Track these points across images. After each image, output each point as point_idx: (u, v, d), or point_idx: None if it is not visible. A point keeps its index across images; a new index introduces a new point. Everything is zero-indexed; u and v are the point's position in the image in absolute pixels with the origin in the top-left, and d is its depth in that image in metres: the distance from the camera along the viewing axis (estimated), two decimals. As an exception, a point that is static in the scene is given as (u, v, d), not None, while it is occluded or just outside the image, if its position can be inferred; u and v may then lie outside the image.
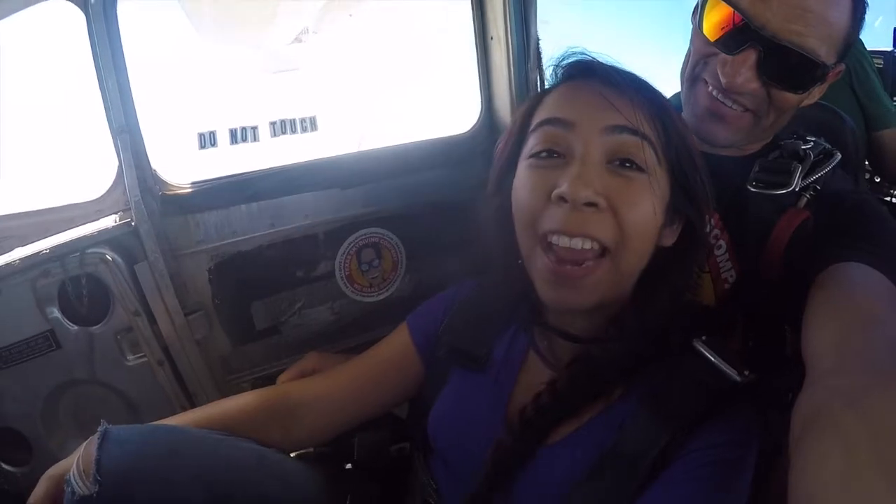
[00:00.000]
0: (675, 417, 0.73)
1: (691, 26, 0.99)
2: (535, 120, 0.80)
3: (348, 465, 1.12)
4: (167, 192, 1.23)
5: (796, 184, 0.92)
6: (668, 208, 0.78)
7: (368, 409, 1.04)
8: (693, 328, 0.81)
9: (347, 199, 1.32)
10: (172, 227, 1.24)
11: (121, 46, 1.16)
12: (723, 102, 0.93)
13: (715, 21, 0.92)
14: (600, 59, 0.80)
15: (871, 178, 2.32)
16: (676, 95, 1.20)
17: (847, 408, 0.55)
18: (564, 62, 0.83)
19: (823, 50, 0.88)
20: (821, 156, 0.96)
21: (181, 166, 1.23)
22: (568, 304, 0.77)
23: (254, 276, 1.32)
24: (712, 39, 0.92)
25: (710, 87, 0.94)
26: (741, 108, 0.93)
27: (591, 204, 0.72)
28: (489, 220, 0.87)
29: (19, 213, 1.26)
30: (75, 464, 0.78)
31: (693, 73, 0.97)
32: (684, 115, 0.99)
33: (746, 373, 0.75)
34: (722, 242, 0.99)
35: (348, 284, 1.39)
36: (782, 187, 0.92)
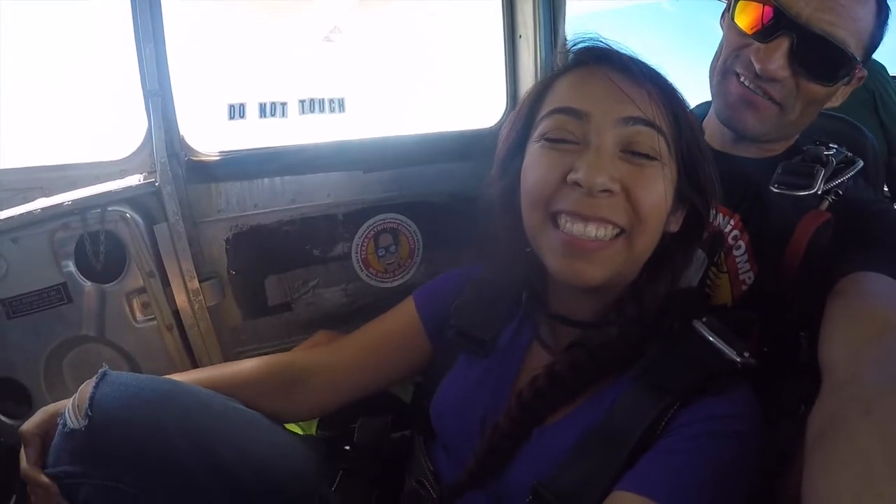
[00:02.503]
0: (668, 391, 0.73)
1: (723, 25, 1.01)
2: (547, 106, 0.80)
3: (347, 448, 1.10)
4: (193, 159, 1.24)
5: (819, 187, 0.93)
6: (675, 195, 0.79)
7: (372, 382, 1.03)
8: (694, 310, 0.81)
9: (369, 183, 1.33)
10: (195, 194, 1.25)
11: (160, 10, 1.17)
12: (753, 91, 0.95)
13: (749, 14, 0.94)
14: (614, 46, 0.80)
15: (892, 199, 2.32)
16: (700, 106, 1.22)
17: (862, 416, 0.55)
18: (577, 46, 0.82)
19: (852, 43, 0.90)
20: (842, 163, 0.96)
21: (209, 135, 1.24)
22: (580, 276, 0.76)
23: (271, 251, 1.32)
24: (749, 32, 0.93)
25: (742, 78, 0.95)
26: (771, 100, 0.94)
27: (605, 190, 0.73)
28: (494, 203, 0.87)
29: (46, 167, 1.27)
30: (72, 400, 0.81)
31: (725, 67, 0.98)
32: (715, 107, 1.02)
33: (746, 354, 0.75)
34: (741, 243, 1.00)
35: (364, 268, 1.39)
36: (805, 189, 0.93)
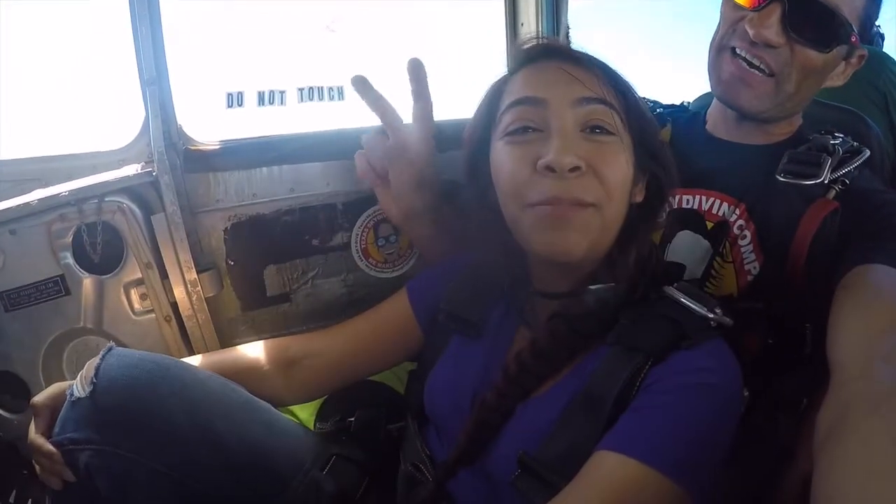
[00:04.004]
0: (640, 350, 0.76)
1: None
2: (505, 102, 0.86)
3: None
4: (191, 148, 1.23)
5: (825, 176, 0.93)
6: (635, 167, 0.84)
7: (365, 366, 1.09)
8: (666, 277, 0.86)
9: None
10: (192, 183, 1.23)
11: None
12: (748, 67, 0.96)
13: None
14: (560, 42, 0.90)
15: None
16: (701, 97, 1.23)
17: (870, 412, 0.57)
18: (524, 46, 0.90)
19: (846, 9, 0.91)
20: (848, 153, 0.97)
21: (207, 123, 1.23)
22: (562, 245, 0.79)
23: (269, 241, 1.30)
24: (744, 4, 0.95)
25: (739, 50, 0.96)
26: (766, 71, 0.95)
27: (575, 169, 0.77)
28: (471, 205, 0.93)
29: (42, 157, 1.26)
30: (80, 373, 0.86)
31: (721, 43, 1.00)
32: (711, 84, 1.03)
33: (718, 311, 0.79)
34: (747, 233, 1.00)
35: (363, 258, 1.38)
36: (811, 178, 0.94)
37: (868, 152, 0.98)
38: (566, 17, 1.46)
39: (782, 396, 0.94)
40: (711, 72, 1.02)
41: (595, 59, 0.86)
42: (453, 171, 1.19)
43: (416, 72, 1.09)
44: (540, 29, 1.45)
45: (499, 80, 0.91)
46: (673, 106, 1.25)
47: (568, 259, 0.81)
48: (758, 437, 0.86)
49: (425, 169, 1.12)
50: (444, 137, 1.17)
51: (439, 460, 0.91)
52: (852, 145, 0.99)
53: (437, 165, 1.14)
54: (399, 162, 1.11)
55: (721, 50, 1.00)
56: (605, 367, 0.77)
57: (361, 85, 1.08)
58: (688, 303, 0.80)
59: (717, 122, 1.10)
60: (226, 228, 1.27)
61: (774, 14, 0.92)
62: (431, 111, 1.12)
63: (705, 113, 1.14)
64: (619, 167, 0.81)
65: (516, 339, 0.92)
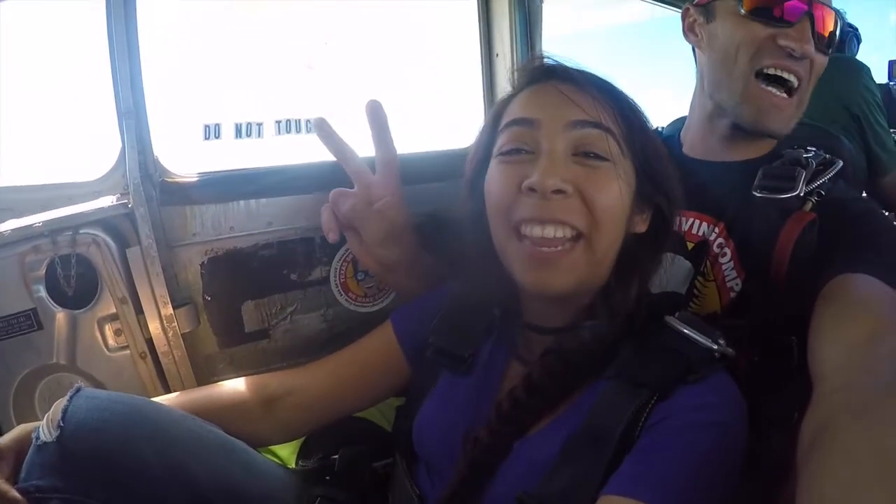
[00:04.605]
0: (644, 385, 0.74)
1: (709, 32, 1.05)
2: (503, 122, 0.85)
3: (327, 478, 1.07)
4: (167, 180, 1.21)
5: (801, 188, 0.94)
6: (636, 196, 0.82)
7: (349, 404, 1.06)
8: (665, 307, 0.84)
9: None
10: (169, 217, 1.21)
11: (136, 29, 1.15)
12: (776, 92, 0.98)
13: (764, 2, 0.97)
14: (563, 62, 0.86)
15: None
16: (672, 123, 1.24)
17: (853, 422, 0.57)
18: (530, 66, 0.89)
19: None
20: (822, 165, 0.98)
21: (184, 155, 1.21)
22: (547, 285, 0.79)
23: (247, 276, 1.28)
24: (777, 16, 0.96)
25: (768, 69, 0.97)
26: (793, 88, 0.99)
27: (559, 192, 0.76)
28: (465, 223, 0.91)
29: (17, 187, 1.24)
30: (47, 415, 0.82)
31: (751, 69, 0.99)
32: (737, 113, 1.02)
33: (722, 342, 0.77)
34: (727, 251, 1.01)
35: (343, 292, 1.34)
36: (787, 192, 0.95)
37: (841, 163, 0.99)
38: (540, 46, 1.47)
39: (773, 412, 0.92)
40: (744, 101, 1.01)
41: (598, 80, 0.84)
42: (432, 204, 1.17)
43: (375, 115, 1.07)
44: (515, 59, 1.45)
45: (502, 100, 0.90)
46: None
47: (556, 296, 0.80)
48: (752, 459, 0.83)
49: (396, 219, 1.09)
50: (420, 170, 1.14)
51: (430, 500, 0.89)
52: (825, 157, 1.00)
53: (415, 200, 1.11)
54: (366, 214, 1.08)
55: (755, 76, 0.99)
56: (607, 401, 0.75)
57: (322, 129, 1.06)
58: (691, 334, 0.78)
59: (695, 143, 1.12)
60: (202, 262, 1.24)
61: (808, 26, 0.95)
62: (395, 156, 1.10)
63: (679, 136, 1.16)
64: (609, 193, 0.78)
65: (508, 375, 0.89)
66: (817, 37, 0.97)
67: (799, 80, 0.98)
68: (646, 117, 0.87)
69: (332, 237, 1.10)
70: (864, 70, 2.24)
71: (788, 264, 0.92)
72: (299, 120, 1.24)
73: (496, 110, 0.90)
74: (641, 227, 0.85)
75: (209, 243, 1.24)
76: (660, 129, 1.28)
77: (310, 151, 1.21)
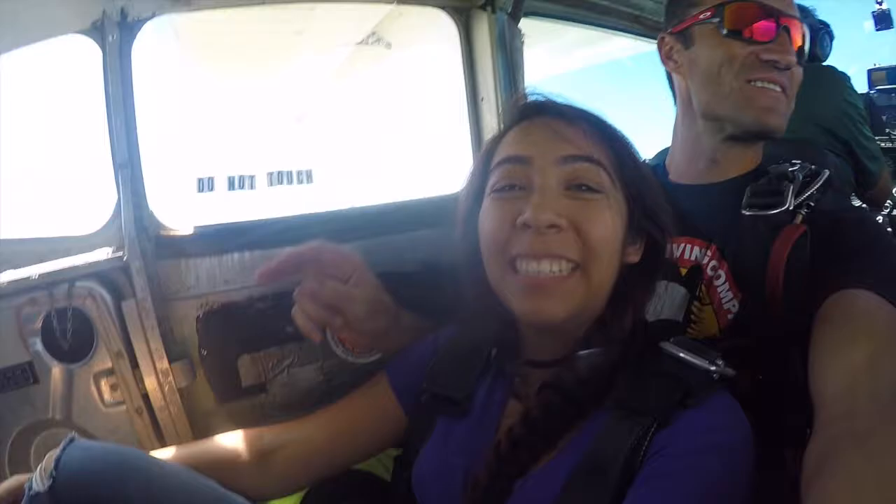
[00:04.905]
0: (643, 414, 0.72)
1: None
2: (495, 160, 0.85)
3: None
4: (162, 234, 1.20)
5: (790, 202, 0.94)
6: (628, 227, 0.82)
7: (347, 456, 1.03)
8: (661, 333, 0.82)
9: None
10: (164, 270, 1.20)
11: (132, 83, 1.17)
12: (772, 91, 0.99)
13: (747, 20, 0.99)
14: (552, 98, 0.87)
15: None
16: (657, 154, 1.25)
17: (855, 450, 0.58)
18: (518, 104, 0.89)
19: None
20: (808, 177, 0.98)
21: (178, 208, 1.20)
22: (543, 312, 0.77)
23: (243, 329, 1.26)
24: (756, 37, 0.98)
25: (757, 82, 0.98)
26: (784, 91, 1.00)
27: (553, 226, 0.76)
28: (461, 262, 0.90)
29: (13, 240, 1.24)
30: (39, 465, 0.81)
31: (741, 82, 0.99)
32: (737, 122, 1.02)
33: (720, 362, 0.76)
34: (721, 273, 1.00)
35: (339, 344, 1.31)
36: (776, 207, 0.94)
37: (827, 172, 0.99)
38: (523, 87, 1.47)
39: (785, 431, 0.90)
40: (742, 109, 1.01)
41: (588, 114, 0.85)
42: (424, 251, 1.15)
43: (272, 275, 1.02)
44: (500, 103, 1.46)
45: (492, 139, 0.90)
46: None
47: (552, 324, 0.79)
48: (768, 481, 0.80)
49: (372, 288, 1.05)
50: (411, 217, 1.10)
51: None
52: (811, 169, 0.99)
53: (406, 248, 1.07)
54: (347, 292, 1.03)
55: (749, 83, 1.00)
56: (607, 433, 0.73)
57: (268, 277, 1.02)
58: (687, 358, 0.76)
59: (681, 169, 1.12)
60: (198, 316, 1.23)
61: (787, 39, 0.98)
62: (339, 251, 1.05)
63: (664, 164, 1.16)
64: (603, 225, 0.78)
65: (506, 413, 0.87)
66: (796, 51, 0.99)
67: (784, 89, 0.99)
68: (635, 149, 0.87)
69: (315, 337, 1.03)
70: (844, 82, 2.16)
71: (783, 279, 0.90)
72: (290, 171, 1.23)
73: (487, 149, 0.89)
74: (634, 257, 0.84)
75: (204, 297, 1.23)
76: (646, 160, 1.25)
77: (302, 202, 1.19)
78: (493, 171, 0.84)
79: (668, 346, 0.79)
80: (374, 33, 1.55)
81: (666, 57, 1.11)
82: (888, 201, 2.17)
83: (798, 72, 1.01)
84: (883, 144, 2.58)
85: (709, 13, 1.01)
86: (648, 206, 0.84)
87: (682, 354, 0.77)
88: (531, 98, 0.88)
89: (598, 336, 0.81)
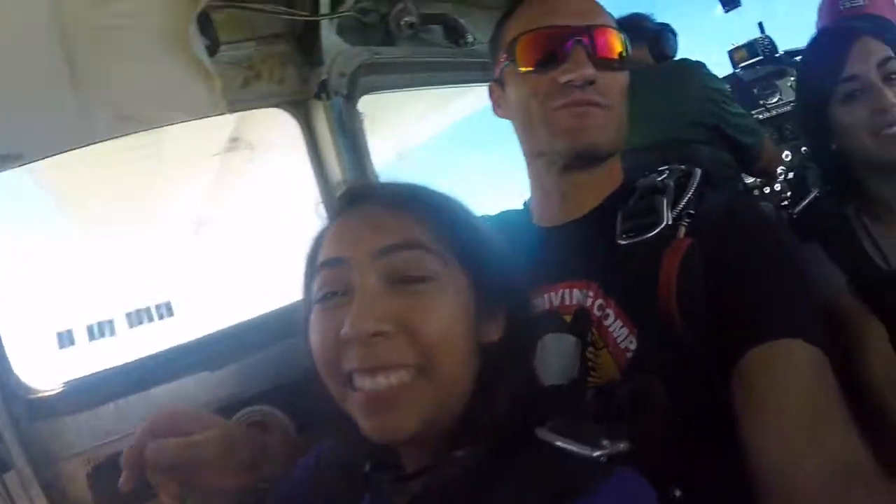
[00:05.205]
0: None
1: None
2: (317, 264, 0.75)
3: None
4: (32, 397, 1.16)
5: (667, 217, 0.89)
6: (478, 303, 0.73)
7: None
8: (535, 416, 0.71)
9: (221, 380, 1.20)
10: (42, 432, 1.16)
11: None
12: (579, 107, 0.95)
13: (537, 51, 0.97)
14: (372, 184, 0.82)
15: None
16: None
17: None
18: (336, 197, 0.81)
19: (612, 23, 0.98)
20: (682, 179, 0.94)
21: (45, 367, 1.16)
22: (389, 430, 0.68)
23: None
24: (550, 62, 0.95)
25: (561, 104, 0.95)
26: (598, 104, 0.96)
27: (377, 334, 0.67)
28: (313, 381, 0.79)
29: None
30: None
31: (542, 110, 0.97)
32: (552, 145, 0.99)
33: (605, 443, 0.66)
34: (609, 311, 0.93)
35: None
36: (654, 227, 0.88)
37: (699, 171, 0.95)
38: (371, 167, 1.46)
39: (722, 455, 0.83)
40: (550, 133, 0.98)
41: (409, 190, 0.76)
42: (307, 359, 1.09)
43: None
44: None
45: (315, 239, 0.79)
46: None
47: (402, 438, 0.69)
48: None
49: (224, 434, 0.92)
50: (285, 327, 1.05)
51: None
52: (681, 170, 0.95)
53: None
54: (188, 457, 0.89)
55: (548, 109, 0.97)
56: None
57: (130, 483, 0.88)
58: (566, 447, 0.66)
59: (541, 212, 1.07)
60: (88, 473, 1.17)
61: (581, 54, 0.93)
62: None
63: (528, 208, 1.11)
64: (436, 317, 0.69)
65: None
66: (600, 60, 0.95)
67: (600, 105, 0.95)
68: (470, 213, 0.78)
69: None
70: (696, 70, 2.08)
71: (677, 301, 0.84)
72: (149, 307, 1.19)
73: (311, 250, 0.79)
74: (496, 334, 0.75)
75: (89, 451, 1.17)
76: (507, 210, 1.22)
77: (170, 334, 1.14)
78: (316, 276, 0.75)
79: (544, 434, 0.69)
80: (235, 138, 1.53)
81: (496, 105, 1.09)
82: (780, 167, 2.08)
83: (612, 78, 0.97)
84: (761, 116, 2.56)
85: (505, 55, 1.00)
86: (495, 275, 0.75)
87: (559, 443, 0.67)
88: (349, 188, 0.80)
89: (467, 434, 0.71)
